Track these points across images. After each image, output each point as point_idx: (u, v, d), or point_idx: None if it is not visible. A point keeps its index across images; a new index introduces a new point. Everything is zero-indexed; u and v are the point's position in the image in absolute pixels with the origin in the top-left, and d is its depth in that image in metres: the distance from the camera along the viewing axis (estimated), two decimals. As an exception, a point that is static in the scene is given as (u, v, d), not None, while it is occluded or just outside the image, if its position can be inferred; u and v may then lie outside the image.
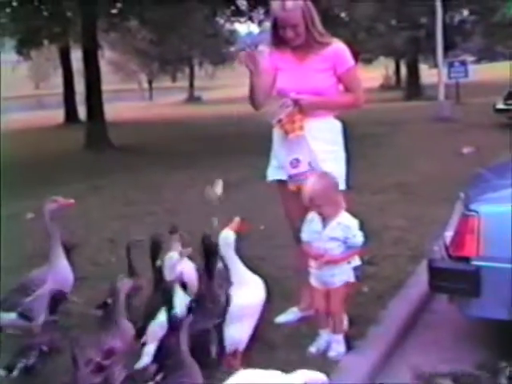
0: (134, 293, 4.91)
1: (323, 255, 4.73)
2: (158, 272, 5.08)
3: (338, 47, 5.13)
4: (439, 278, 4.85)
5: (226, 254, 4.58)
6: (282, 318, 5.41)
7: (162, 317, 4.66)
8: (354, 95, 5.21)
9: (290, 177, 5.12)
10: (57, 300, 4.93)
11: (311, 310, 5.14)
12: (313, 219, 4.82)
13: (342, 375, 4.43)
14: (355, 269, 4.86)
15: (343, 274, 4.78)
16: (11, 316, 5.24)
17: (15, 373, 4.37)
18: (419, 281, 5.85)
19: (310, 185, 4.72)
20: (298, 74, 5.13)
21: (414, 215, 8.67)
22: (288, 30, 5.02)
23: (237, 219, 4.75)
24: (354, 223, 4.75)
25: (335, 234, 4.71)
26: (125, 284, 4.55)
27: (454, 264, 4.75)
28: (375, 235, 7.63)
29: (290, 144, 5.08)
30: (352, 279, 4.83)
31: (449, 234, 4.99)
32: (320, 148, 5.07)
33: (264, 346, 4.91)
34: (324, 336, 4.89)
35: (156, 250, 5.32)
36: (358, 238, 4.73)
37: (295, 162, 5.06)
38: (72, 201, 5.66)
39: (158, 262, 5.19)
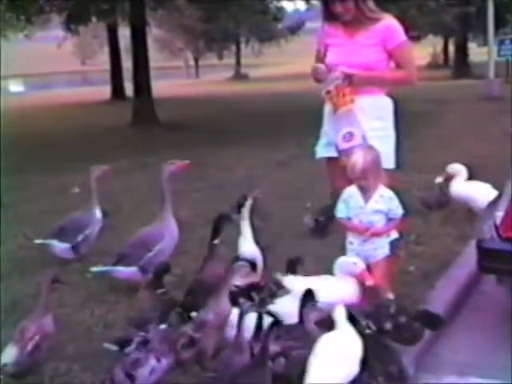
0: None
1: (368, 229, 4.80)
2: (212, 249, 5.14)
3: (389, 22, 5.09)
4: (488, 259, 4.79)
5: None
6: None
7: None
8: (406, 71, 5.15)
9: (343, 151, 5.06)
10: (163, 270, 5.00)
11: None
12: (352, 195, 4.85)
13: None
14: (393, 242, 4.93)
15: (384, 247, 4.88)
16: (131, 269, 5.62)
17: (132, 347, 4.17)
18: (467, 261, 5.80)
19: (362, 157, 4.73)
20: (347, 48, 5.12)
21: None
22: (337, 4, 5.00)
23: None
24: (394, 196, 4.84)
25: (379, 207, 4.80)
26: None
27: (503, 245, 4.69)
28: (422, 215, 7.60)
29: (340, 118, 5.06)
30: (393, 251, 4.92)
31: (499, 214, 4.92)
32: (369, 125, 5.03)
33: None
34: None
35: (220, 227, 5.33)
36: (400, 209, 4.84)
37: (348, 136, 5.03)
38: (188, 162, 6.05)
39: (217, 241, 5.26)
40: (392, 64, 5.16)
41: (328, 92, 5.00)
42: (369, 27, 5.05)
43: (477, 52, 41.48)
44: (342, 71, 4.97)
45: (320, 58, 5.29)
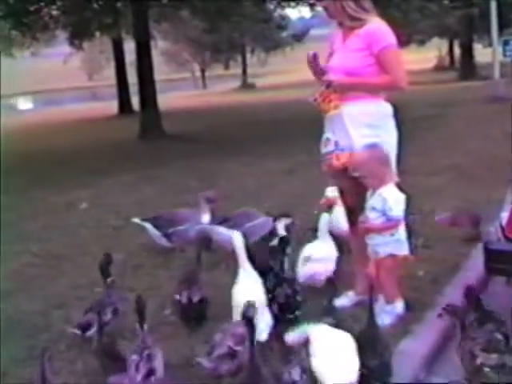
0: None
1: (364, 222, 4.98)
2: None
3: (373, 26, 5.01)
4: (495, 260, 4.78)
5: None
6: (337, 303, 5.17)
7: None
8: (391, 76, 4.99)
9: (322, 156, 5.21)
10: None
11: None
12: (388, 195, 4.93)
13: (399, 360, 4.39)
14: (399, 242, 4.97)
15: (386, 246, 4.93)
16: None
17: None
18: (475, 263, 5.77)
19: (355, 156, 4.88)
20: (340, 53, 5.16)
21: (468, 197, 8.55)
22: (325, 11, 5.12)
23: None
24: (393, 197, 4.87)
25: (375, 205, 4.90)
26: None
27: (510, 245, 4.68)
28: (430, 217, 7.58)
29: (326, 123, 5.15)
30: (397, 252, 4.95)
31: (505, 215, 4.91)
32: (358, 132, 5.01)
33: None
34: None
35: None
36: (396, 211, 4.86)
37: (326, 141, 5.15)
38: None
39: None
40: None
41: (315, 100, 5.07)
42: (358, 31, 5.02)
43: (483, 53, 41.34)
44: (324, 79, 5.04)
45: (327, 60, 5.32)
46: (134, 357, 4.07)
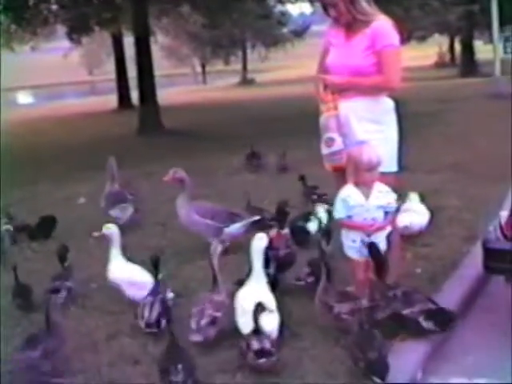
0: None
1: (373, 224, 4.88)
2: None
3: (378, 24, 4.99)
4: (494, 259, 4.74)
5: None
6: None
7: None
8: (384, 77, 4.98)
9: (325, 156, 5.17)
10: None
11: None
12: (350, 193, 4.89)
13: (395, 358, 4.36)
14: (389, 235, 5.02)
15: (385, 240, 4.96)
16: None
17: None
18: (475, 262, 5.72)
19: (373, 149, 4.83)
20: (344, 51, 5.11)
21: (469, 195, 8.52)
22: (330, 9, 5.00)
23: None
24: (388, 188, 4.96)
25: (380, 202, 4.88)
26: (217, 248, 5.09)
27: (509, 244, 4.64)
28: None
29: (326, 123, 5.11)
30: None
31: (504, 214, 4.87)
32: (362, 128, 5.03)
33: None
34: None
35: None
36: (395, 202, 5.00)
37: (329, 141, 5.09)
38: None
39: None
40: None
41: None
42: (363, 30, 5.00)
43: (483, 50, 41.30)
44: (318, 78, 5.10)
45: (324, 56, 5.32)
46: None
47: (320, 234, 5.92)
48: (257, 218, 7.26)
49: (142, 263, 5.95)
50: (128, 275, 5.68)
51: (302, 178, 9.02)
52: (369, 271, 4.90)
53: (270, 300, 4.77)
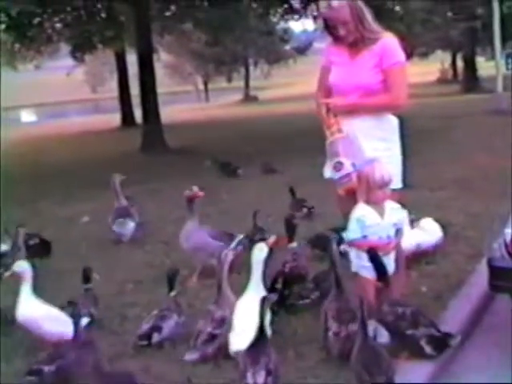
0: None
1: (389, 243, 4.85)
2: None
3: (386, 41, 4.97)
4: (499, 277, 4.71)
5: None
6: None
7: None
8: (391, 95, 4.96)
9: (336, 181, 5.08)
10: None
11: None
12: (365, 213, 4.81)
13: (404, 376, 4.34)
14: None
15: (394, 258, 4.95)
16: None
17: None
18: (480, 280, 5.70)
19: (384, 166, 4.79)
20: (349, 70, 5.06)
21: (473, 212, 8.49)
22: (339, 27, 4.96)
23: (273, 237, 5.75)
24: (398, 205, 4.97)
25: (393, 220, 4.86)
26: (228, 255, 5.17)
27: (514, 263, 4.62)
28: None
29: (332, 148, 5.06)
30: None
31: (509, 231, 4.84)
32: (371, 145, 4.99)
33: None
34: (372, 324, 4.77)
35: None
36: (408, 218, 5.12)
37: (339, 166, 5.00)
38: None
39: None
40: None
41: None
42: (370, 48, 4.97)
43: (485, 66, 41.39)
44: (321, 102, 5.08)
45: (324, 74, 5.28)
46: None
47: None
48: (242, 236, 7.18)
49: (141, 283, 5.89)
50: (42, 313, 5.37)
51: (291, 191, 9.24)
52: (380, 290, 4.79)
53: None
